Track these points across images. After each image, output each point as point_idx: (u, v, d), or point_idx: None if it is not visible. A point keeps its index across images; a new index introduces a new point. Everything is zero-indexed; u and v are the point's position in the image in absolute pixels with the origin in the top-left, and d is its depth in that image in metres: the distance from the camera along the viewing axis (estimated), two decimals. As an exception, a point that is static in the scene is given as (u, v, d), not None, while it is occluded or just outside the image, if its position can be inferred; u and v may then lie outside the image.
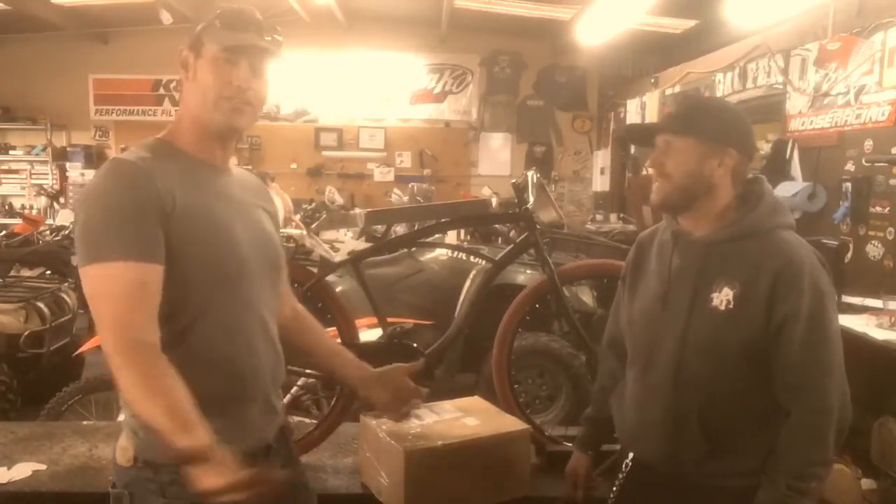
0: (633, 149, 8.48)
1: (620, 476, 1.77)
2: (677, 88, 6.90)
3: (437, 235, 3.50)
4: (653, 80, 7.60)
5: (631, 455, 1.76)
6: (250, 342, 1.45)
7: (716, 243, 1.61)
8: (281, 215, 6.63)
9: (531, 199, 2.70)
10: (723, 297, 1.57)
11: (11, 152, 9.30)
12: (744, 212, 1.62)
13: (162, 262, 1.30)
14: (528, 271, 4.14)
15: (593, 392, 1.99)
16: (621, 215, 8.31)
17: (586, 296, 4.30)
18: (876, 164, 3.91)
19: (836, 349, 1.56)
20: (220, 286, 1.38)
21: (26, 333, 3.96)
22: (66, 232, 6.02)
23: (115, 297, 1.26)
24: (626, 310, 1.79)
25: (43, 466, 2.53)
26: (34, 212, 8.79)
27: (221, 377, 1.40)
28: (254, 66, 1.40)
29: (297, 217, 6.69)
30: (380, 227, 3.16)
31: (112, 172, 1.32)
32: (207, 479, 1.17)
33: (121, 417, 3.22)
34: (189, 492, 1.23)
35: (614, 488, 1.78)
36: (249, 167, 7.82)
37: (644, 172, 8.06)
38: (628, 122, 8.09)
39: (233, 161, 1.61)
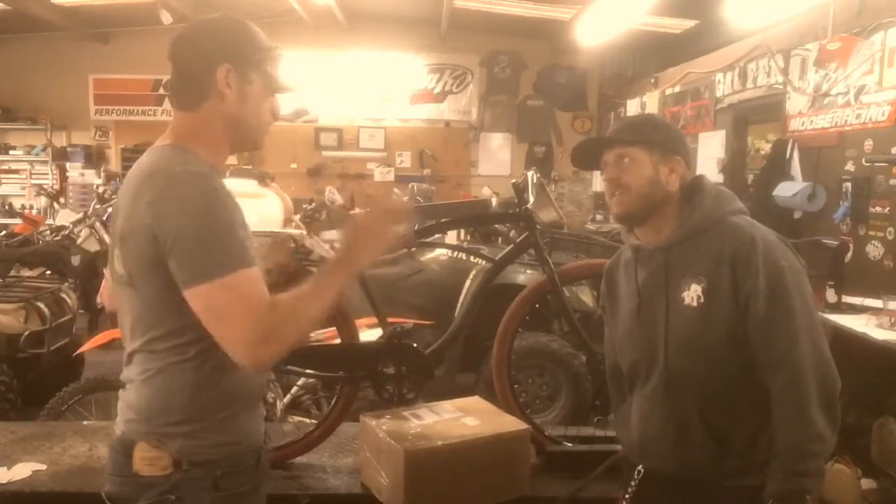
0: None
1: (632, 483, 1.76)
2: (677, 88, 6.90)
3: (437, 235, 3.50)
4: (653, 80, 7.60)
5: (640, 467, 1.75)
6: None
7: (673, 246, 1.65)
8: (281, 215, 6.65)
9: (531, 199, 2.71)
10: (693, 294, 1.60)
11: (11, 152, 9.30)
12: (690, 209, 1.66)
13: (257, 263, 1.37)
14: (528, 271, 4.14)
15: (612, 423, 2.00)
16: (621, 215, 8.29)
17: (586, 296, 4.29)
18: (876, 164, 3.91)
19: (804, 321, 1.54)
20: None
21: (26, 333, 3.96)
22: (66, 232, 6.02)
23: (243, 303, 1.29)
24: (613, 336, 1.84)
25: (43, 466, 2.53)
26: (34, 212, 8.79)
27: (251, 377, 1.49)
28: None
29: (297, 217, 6.69)
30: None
31: (211, 185, 1.35)
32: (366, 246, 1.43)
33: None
34: (236, 482, 1.43)
35: (626, 496, 1.77)
36: (249, 167, 7.82)
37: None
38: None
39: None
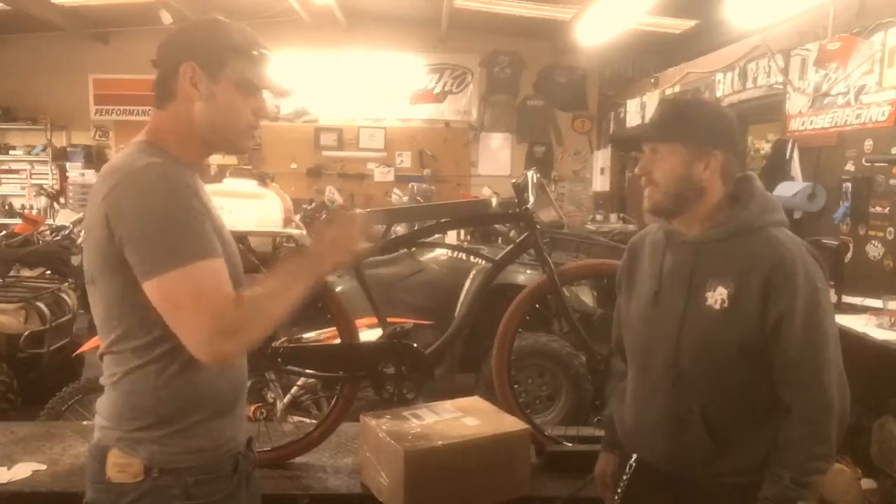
0: (633, 149, 8.49)
1: (625, 477, 1.77)
2: (677, 88, 6.89)
3: (437, 235, 3.50)
4: (653, 80, 7.60)
5: (635, 456, 1.76)
6: None
7: (707, 242, 1.62)
8: (281, 215, 6.65)
9: (531, 199, 2.70)
10: (717, 297, 1.58)
11: (11, 152, 9.29)
12: (735, 211, 1.62)
13: (223, 256, 1.35)
14: (528, 271, 4.14)
15: (608, 393, 1.98)
16: (621, 215, 8.31)
17: (586, 296, 4.30)
18: (876, 164, 3.91)
19: (833, 344, 1.56)
20: None
21: (26, 333, 3.96)
22: (66, 232, 6.01)
23: (204, 293, 1.27)
24: (623, 313, 1.81)
25: (43, 466, 2.53)
26: (34, 212, 8.78)
27: (229, 380, 1.46)
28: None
29: (298, 217, 6.69)
30: (380, 227, 3.16)
31: (169, 176, 1.32)
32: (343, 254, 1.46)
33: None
34: (209, 489, 1.39)
35: (619, 489, 1.78)
36: (249, 167, 7.82)
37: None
38: (628, 122, 8.09)
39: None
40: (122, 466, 1.37)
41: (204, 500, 1.39)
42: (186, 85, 1.39)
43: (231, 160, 8.38)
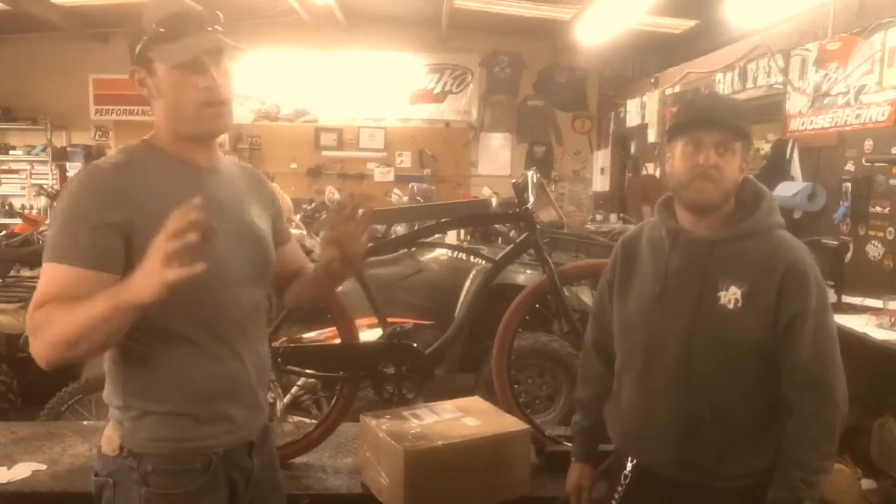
0: (633, 148, 8.50)
1: (620, 486, 1.74)
2: (677, 88, 6.89)
3: (437, 235, 3.50)
4: (653, 80, 7.60)
5: (632, 462, 1.73)
6: (230, 343, 1.47)
7: (719, 242, 1.61)
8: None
9: (531, 199, 2.71)
10: (731, 296, 1.57)
11: (11, 152, 9.28)
12: (746, 212, 1.63)
13: (113, 272, 1.31)
14: (528, 271, 4.14)
15: (581, 399, 1.94)
16: (621, 215, 8.30)
17: (586, 296, 4.29)
18: (876, 164, 3.91)
19: (837, 345, 1.59)
20: (194, 290, 1.27)
21: (26, 333, 3.96)
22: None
23: (38, 291, 1.30)
24: (618, 312, 1.76)
25: (43, 466, 2.54)
26: (34, 212, 8.78)
27: (204, 377, 1.44)
28: (213, 61, 1.39)
29: (298, 217, 6.69)
30: (380, 227, 3.16)
31: (83, 178, 1.37)
32: (152, 280, 1.16)
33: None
34: (169, 482, 1.39)
35: (616, 497, 1.75)
36: (250, 167, 7.81)
37: (644, 172, 8.06)
38: (628, 122, 8.09)
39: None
40: (108, 439, 1.45)
41: (160, 490, 1.40)
42: (139, 89, 1.43)
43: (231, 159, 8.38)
